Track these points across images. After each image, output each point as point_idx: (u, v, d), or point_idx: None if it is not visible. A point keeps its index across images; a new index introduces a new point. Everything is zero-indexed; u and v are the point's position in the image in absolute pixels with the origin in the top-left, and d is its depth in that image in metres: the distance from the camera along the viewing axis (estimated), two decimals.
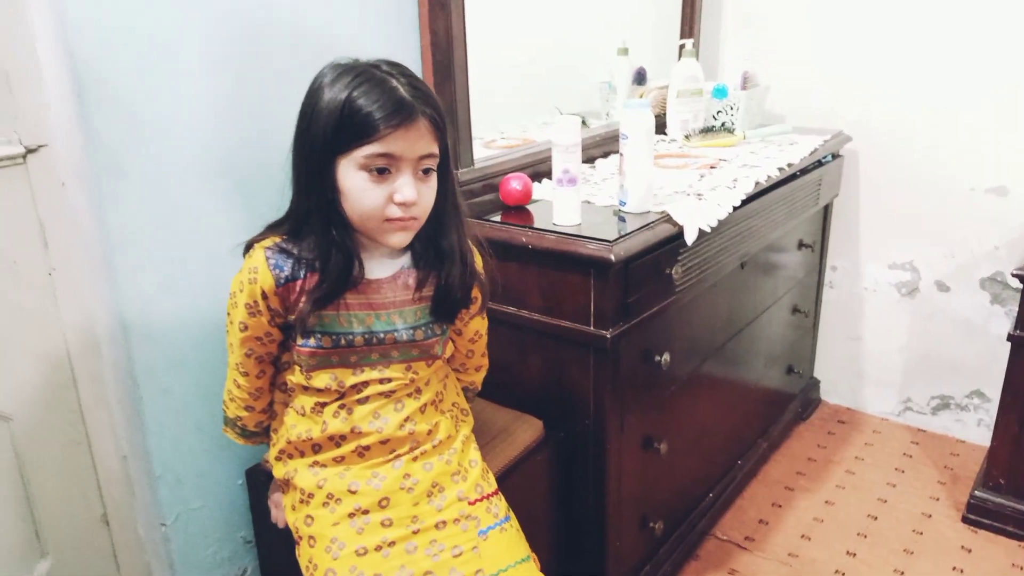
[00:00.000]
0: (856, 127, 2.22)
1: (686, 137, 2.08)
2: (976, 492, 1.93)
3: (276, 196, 1.09)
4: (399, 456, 1.09)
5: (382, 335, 1.07)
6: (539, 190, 1.64)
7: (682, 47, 2.07)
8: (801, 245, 2.13)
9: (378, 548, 1.04)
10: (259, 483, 1.35)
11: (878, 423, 2.41)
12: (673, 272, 1.44)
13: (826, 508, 2.01)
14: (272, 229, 1.07)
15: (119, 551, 1.33)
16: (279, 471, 1.14)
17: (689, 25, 2.30)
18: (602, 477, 1.47)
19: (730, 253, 1.63)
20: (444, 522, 1.08)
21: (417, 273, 1.10)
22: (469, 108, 1.58)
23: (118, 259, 1.18)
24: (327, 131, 0.97)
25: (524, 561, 1.10)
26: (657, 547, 1.71)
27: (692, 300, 1.58)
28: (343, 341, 1.05)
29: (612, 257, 1.28)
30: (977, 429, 2.27)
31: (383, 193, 0.99)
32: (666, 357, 1.50)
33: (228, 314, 1.08)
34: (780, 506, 2.02)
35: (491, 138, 1.79)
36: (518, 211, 1.54)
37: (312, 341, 1.04)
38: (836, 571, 1.79)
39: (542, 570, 1.13)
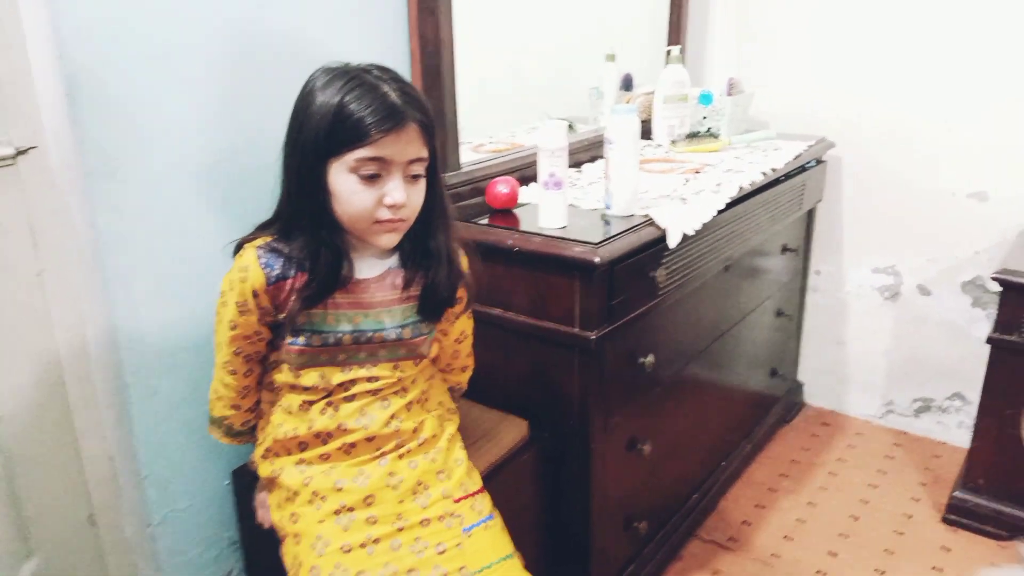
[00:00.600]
0: (839, 133, 2.25)
1: (672, 142, 2.10)
2: (956, 493, 1.96)
3: (267, 199, 1.10)
4: (384, 454, 1.10)
5: (370, 334, 1.08)
6: (526, 193, 1.65)
7: (669, 53, 2.10)
8: (785, 249, 2.15)
9: (363, 545, 1.05)
10: (246, 484, 1.36)
11: (861, 425, 2.44)
12: (657, 275, 1.46)
13: (808, 509, 2.04)
14: (262, 229, 1.09)
15: (106, 551, 1.33)
16: (265, 470, 1.15)
17: (676, 32, 2.33)
18: (587, 477, 1.48)
19: (714, 256, 1.65)
20: (428, 520, 1.09)
21: (405, 273, 1.11)
22: (456, 112, 1.59)
23: (108, 260, 1.19)
24: (319, 135, 0.98)
25: (508, 558, 1.11)
26: (641, 547, 1.72)
27: (676, 303, 1.60)
28: (331, 339, 1.07)
29: (597, 259, 1.30)
30: (958, 431, 2.30)
31: (373, 195, 1.01)
32: (650, 359, 1.52)
33: (217, 313, 1.09)
34: (763, 507, 2.04)
35: (479, 142, 1.80)
36: (505, 214, 1.55)
37: (301, 339, 1.06)
38: (818, 571, 1.81)
39: (527, 569, 1.14)
